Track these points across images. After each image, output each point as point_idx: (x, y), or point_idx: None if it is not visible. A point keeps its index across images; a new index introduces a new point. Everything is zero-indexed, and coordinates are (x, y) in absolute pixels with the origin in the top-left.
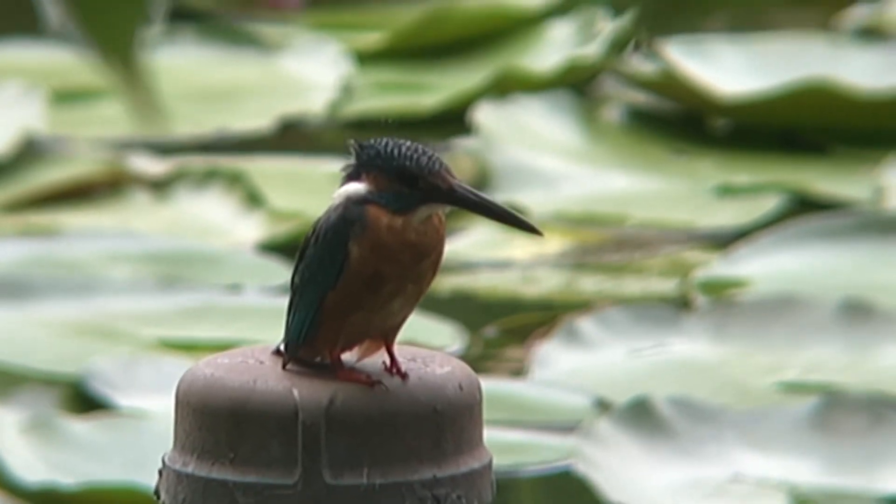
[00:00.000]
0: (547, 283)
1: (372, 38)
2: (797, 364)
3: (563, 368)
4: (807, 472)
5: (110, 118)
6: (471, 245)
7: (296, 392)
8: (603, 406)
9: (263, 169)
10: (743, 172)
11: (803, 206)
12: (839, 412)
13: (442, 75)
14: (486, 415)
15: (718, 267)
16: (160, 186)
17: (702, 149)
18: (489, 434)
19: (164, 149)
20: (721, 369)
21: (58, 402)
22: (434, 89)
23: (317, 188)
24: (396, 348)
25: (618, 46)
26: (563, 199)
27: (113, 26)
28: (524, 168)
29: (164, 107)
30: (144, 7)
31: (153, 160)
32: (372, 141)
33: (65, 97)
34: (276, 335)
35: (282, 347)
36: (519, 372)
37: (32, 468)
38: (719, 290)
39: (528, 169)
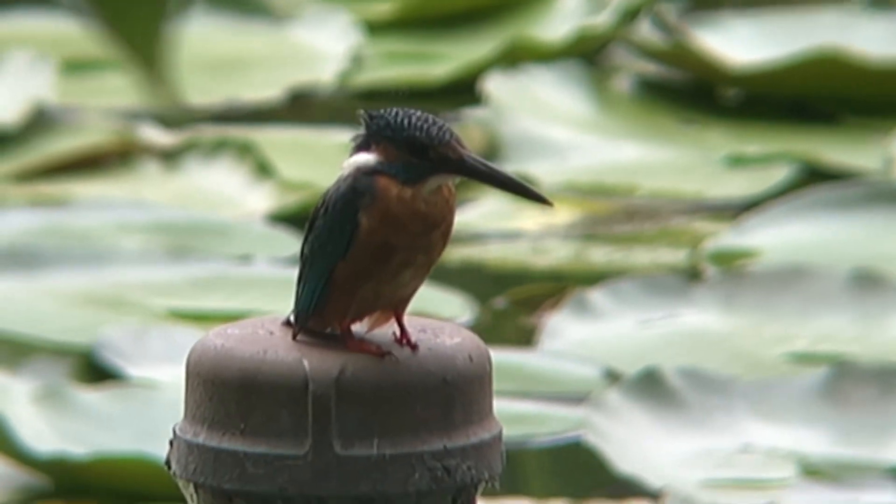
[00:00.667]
0: (556, 254)
1: (382, 8)
2: (807, 335)
3: (572, 339)
4: (816, 442)
5: (120, 88)
6: (480, 216)
7: (306, 363)
8: (612, 377)
9: (273, 139)
10: (753, 142)
11: (813, 176)
12: (849, 382)
13: (452, 45)
14: (495, 386)
15: (728, 237)
16: (170, 157)
17: (712, 119)
18: (499, 405)
19: (174, 119)
20: (731, 340)
21: (69, 372)
22: (444, 59)
23: (326, 158)
24: (406, 319)
25: (628, 16)
26: (572, 170)
27: (136, 23)
28: (534, 138)
29: (182, 93)
30: (168, 5)
31: (163, 131)
32: (382, 111)
33: (74, 67)
34: (286, 306)
35: (292, 318)
36: (528, 343)
37: (44, 438)
38: (729, 261)
39: (538, 139)
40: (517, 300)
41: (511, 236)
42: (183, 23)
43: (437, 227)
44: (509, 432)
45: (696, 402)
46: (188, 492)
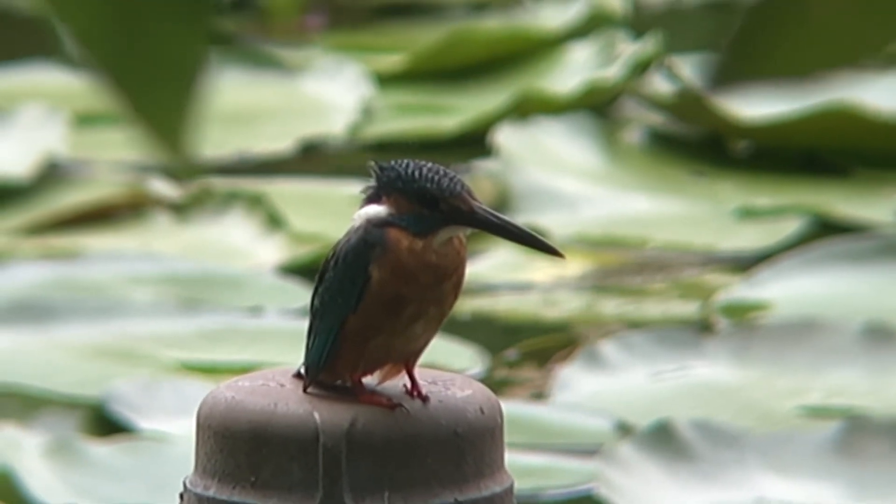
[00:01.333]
0: (568, 306)
1: (392, 60)
2: (820, 388)
3: (584, 391)
4: (830, 496)
5: (131, 141)
6: (491, 267)
7: (317, 415)
8: (624, 429)
9: (284, 191)
10: (764, 195)
11: (825, 228)
12: (862, 436)
13: (462, 97)
14: (507, 438)
15: (740, 290)
16: (181, 209)
17: (723, 171)
18: (510, 457)
19: (185, 172)
20: (743, 393)
21: (79, 425)
22: (454, 111)
23: (337, 210)
24: (417, 371)
25: (638, 68)
26: (583, 222)
27: (162, 109)
28: (544, 190)
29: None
30: (195, 85)
31: (174, 184)
32: (392, 163)
33: (85, 120)
34: (296, 357)
35: (302, 370)
36: (540, 395)
37: (54, 491)
38: (741, 314)
39: (549, 191)
40: (528, 352)
41: (522, 288)
42: (204, 100)
43: (448, 279)
44: (521, 485)
45: (708, 455)
46: None
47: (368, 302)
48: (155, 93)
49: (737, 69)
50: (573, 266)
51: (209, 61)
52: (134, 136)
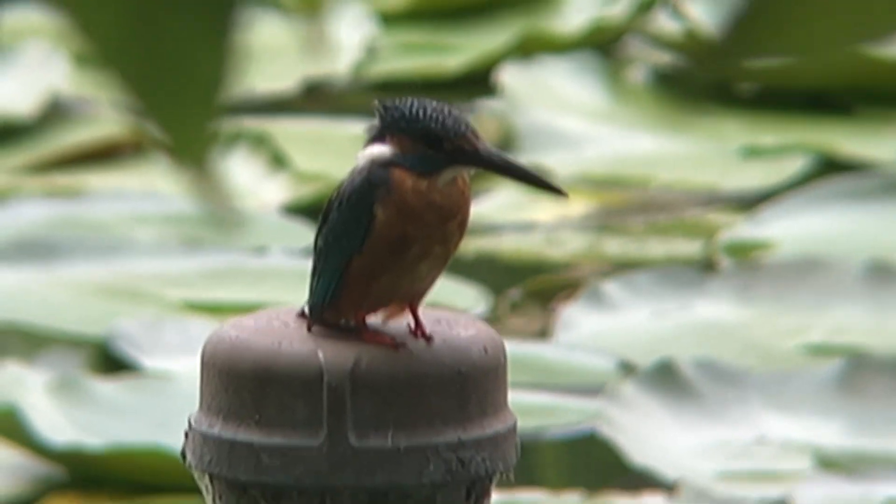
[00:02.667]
0: (571, 246)
1: None
2: (822, 326)
3: (587, 331)
4: (832, 434)
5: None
6: (495, 207)
7: (321, 354)
8: (627, 368)
9: (288, 130)
10: (769, 134)
11: (829, 167)
12: (864, 374)
13: (466, 36)
14: (510, 377)
15: (743, 229)
16: None
17: (728, 110)
18: (513, 397)
19: None
20: (746, 331)
21: (84, 363)
22: (458, 50)
23: (341, 150)
24: (421, 310)
25: (644, 6)
26: (587, 161)
27: (185, 124)
28: (549, 130)
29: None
30: (220, 103)
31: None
32: (396, 102)
33: (89, 59)
34: (301, 297)
35: (306, 310)
36: (543, 334)
37: (59, 428)
38: (744, 252)
39: (553, 130)
40: (532, 292)
41: (525, 228)
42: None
43: (453, 219)
44: (524, 424)
45: (711, 393)
46: (203, 483)
47: (373, 242)
48: (177, 107)
49: (740, 48)
50: (577, 206)
51: (236, 74)
52: (160, 160)
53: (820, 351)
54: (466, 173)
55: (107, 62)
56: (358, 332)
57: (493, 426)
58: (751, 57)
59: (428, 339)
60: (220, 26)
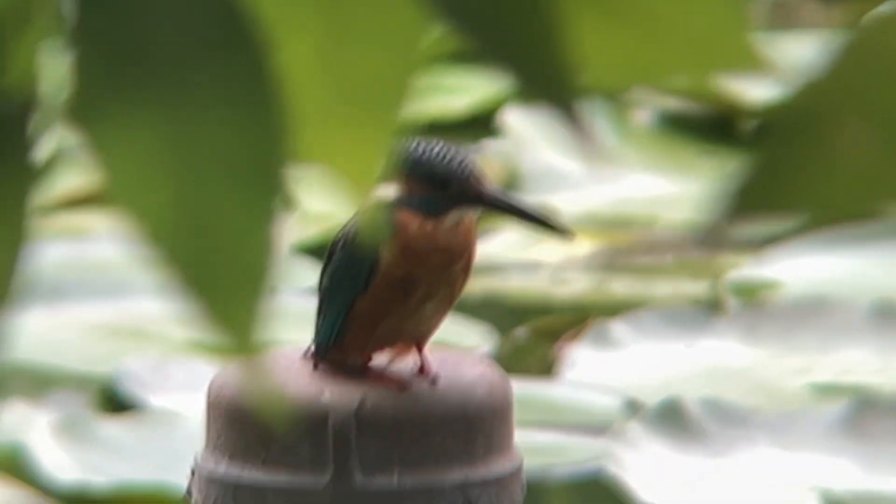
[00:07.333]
0: (577, 285)
1: None
2: (829, 366)
3: (593, 370)
4: (839, 474)
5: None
6: (500, 247)
7: (326, 394)
8: (634, 407)
9: (294, 172)
10: None
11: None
12: (871, 415)
13: (472, 78)
14: (516, 416)
15: (750, 269)
16: None
17: (733, 151)
18: (520, 435)
19: None
20: (752, 371)
21: (90, 403)
22: (463, 92)
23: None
24: (427, 350)
25: None
26: (592, 202)
27: (232, 311)
28: (553, 170)
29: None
30: (267, 290)
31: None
32: (402, 143)
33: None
34: (306, 336)
35: (312, 349)
36: (549, 373)
37: (65, 468)
38: (751, 293)
39: (558, 171)
40: (537, 331)
41: (531, 267)
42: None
43: (458, 260)
44: (530, 463)
45: (717, 433)
46: None
47: (377, 284)
48: (224, 291)
49: (753, 203)
50: (582, 246)
51: (279, 255)
52: (207, 337)
53: (826, 391)
54: (472, 214)
55: (157, 246)
56: (363, 372)
57: (499, 465)
58: (762, 216)
59: (433, 379)
60: (268, 214)
